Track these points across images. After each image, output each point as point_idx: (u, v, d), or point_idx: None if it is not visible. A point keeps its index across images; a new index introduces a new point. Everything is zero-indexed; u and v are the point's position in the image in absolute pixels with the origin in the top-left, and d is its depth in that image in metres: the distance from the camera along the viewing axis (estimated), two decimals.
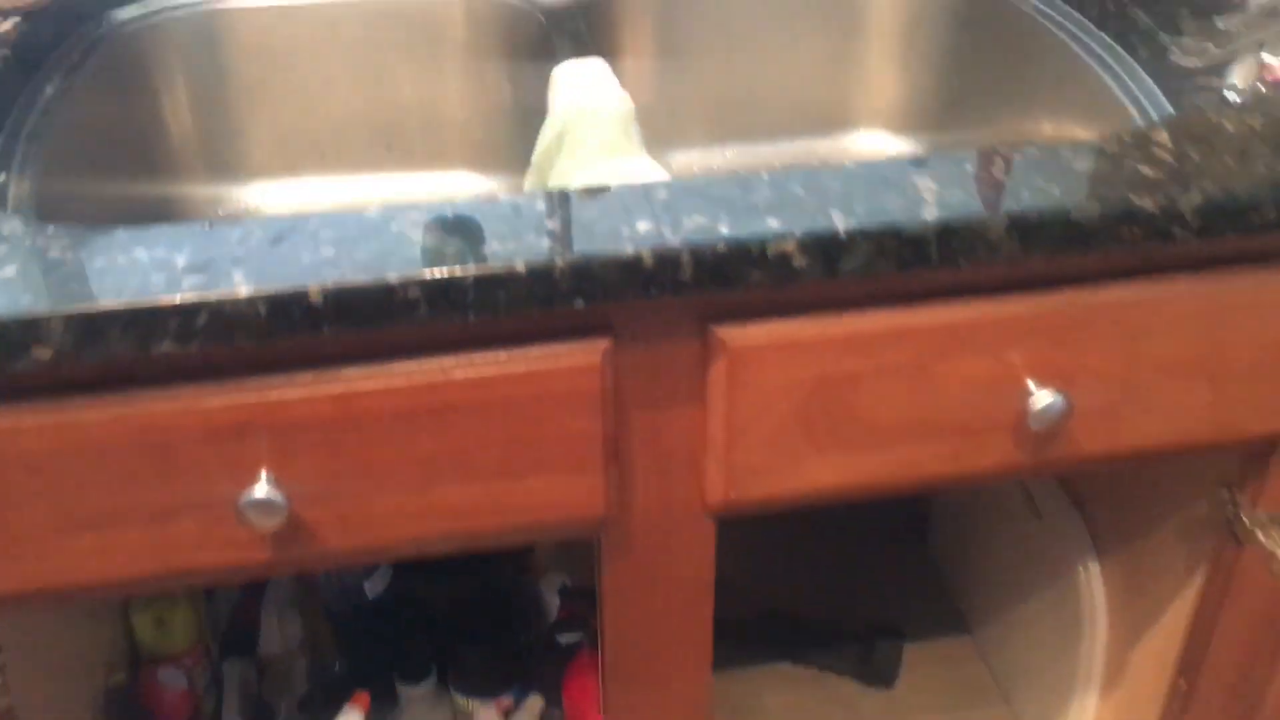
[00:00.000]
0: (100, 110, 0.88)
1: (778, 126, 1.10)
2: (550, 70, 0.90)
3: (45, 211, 0.74)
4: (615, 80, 0.82)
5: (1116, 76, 0.81)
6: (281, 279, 0.58)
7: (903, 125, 1.09)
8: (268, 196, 1.04)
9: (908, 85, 1.07)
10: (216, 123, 1.00)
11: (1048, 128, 0.92)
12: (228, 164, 1.02)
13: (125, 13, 0.93)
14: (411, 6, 0.99)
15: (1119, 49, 0.82)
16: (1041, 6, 0.91)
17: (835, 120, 1.10)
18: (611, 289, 0.60)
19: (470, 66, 1.02)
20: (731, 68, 1.06)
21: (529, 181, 0.79)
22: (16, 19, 0.86)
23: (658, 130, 1.06)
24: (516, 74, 1.01)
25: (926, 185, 0.64)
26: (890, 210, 0.62)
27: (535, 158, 0.78)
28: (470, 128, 1.05)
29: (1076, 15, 0.89)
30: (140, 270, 0.58)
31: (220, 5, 0.96)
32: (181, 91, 0.97)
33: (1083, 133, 0.87)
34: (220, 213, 1.02)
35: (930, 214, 0.61)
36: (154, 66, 0.95)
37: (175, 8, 0.95)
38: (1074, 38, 0.87)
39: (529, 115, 1.01)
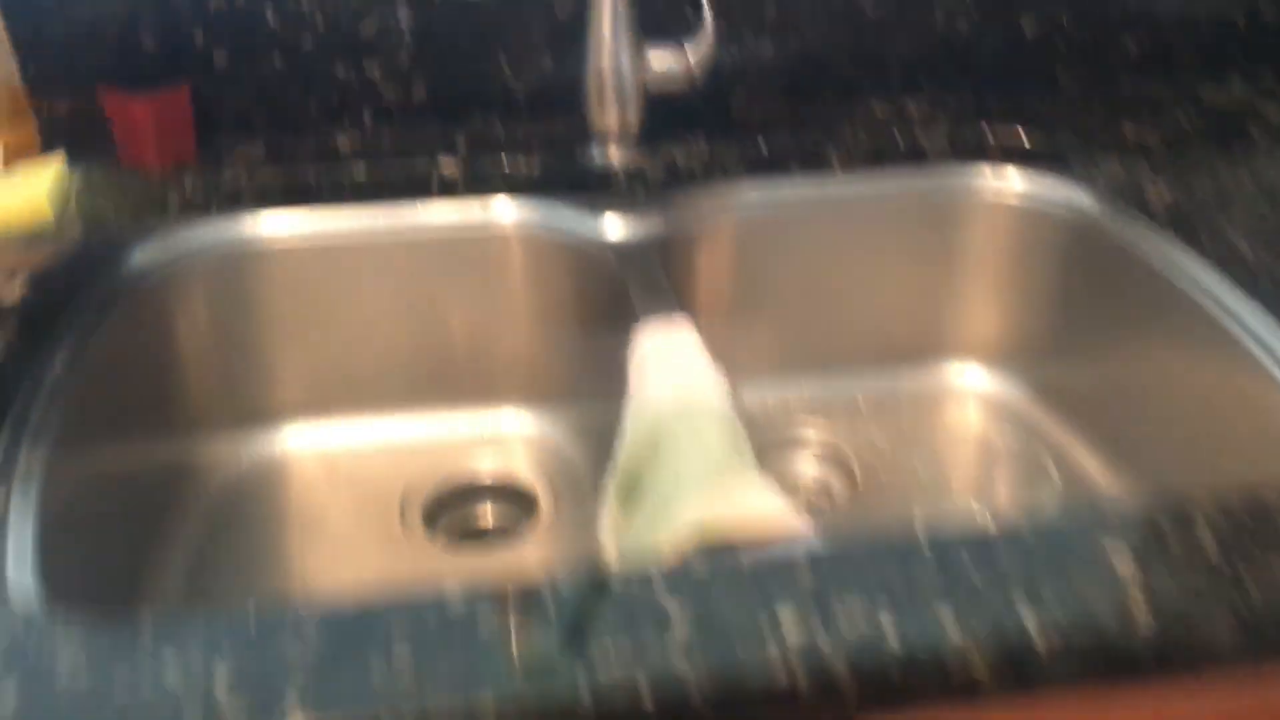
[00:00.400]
0: (115, 376, 0.77)
1: (861, 357, 0.99)
2: (612, 303, 0.80)
3: (53, 499, 0.63)
4: (709, 358, 0.72)
5: (1272, 354, 0.71)
6: (345, 706, 0.46)
7: (998, 359, 0.99)
8: (296, 441, 0.93)
9: (1005, 319, 0.97)
10: (243, 368, 0.89)
11: (1173, 380, 0.82)
12: (254, 410, 0.91)
13: (143, 256, 0.82)
14: (461, 241, 0.89)
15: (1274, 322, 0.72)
16: (1174, 258, 0.81)
17: (924, 351, 1.00)
18: (754, 710, 0.49)
19: (526, 302, 0.91)
20: (813, 296, 0.96)
21: (614, 491, 0.67)
22: (23, 280, 0.76)
23: (731, 362, 0.96)
24: (579, 311, 0.91)
25: (1124, 562, 0.53)
26: (1088, 604, 0.51)
27: (623, 463, 0.67)
28: (524, 365, 0.94)
29: (1208, 266, 0.79)
30: (169, 699, 0.47)
31: (249, 245, 0.86)
32: (205, 338, 0.87)
33: (1219, 391, 0.77)
34: (245, 463, 0.91)
35: (1141, 616, 0.50)
36: (174, 315, 0.85)
37: (198, 251, 0.84)
38: (1212, 298, 0.77)
39: (589, 352, 0.90)
